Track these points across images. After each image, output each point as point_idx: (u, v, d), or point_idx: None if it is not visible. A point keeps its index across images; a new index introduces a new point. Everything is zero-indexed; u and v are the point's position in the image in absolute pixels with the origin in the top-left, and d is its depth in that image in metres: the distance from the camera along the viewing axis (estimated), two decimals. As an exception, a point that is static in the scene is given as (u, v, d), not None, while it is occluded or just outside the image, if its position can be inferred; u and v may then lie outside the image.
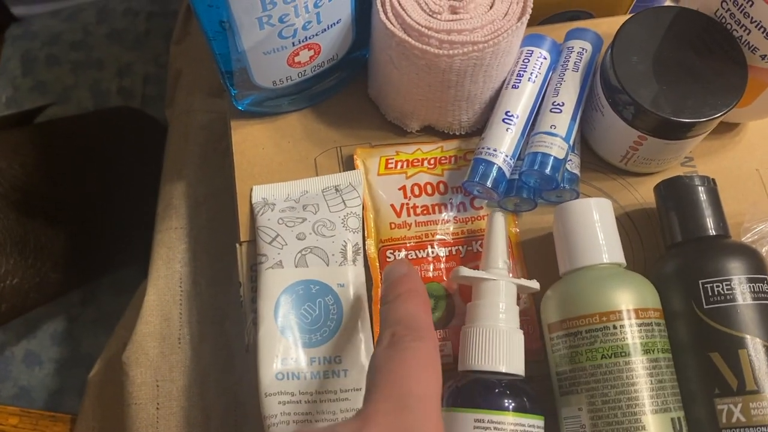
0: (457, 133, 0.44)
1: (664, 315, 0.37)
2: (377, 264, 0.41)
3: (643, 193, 0.44)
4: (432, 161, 0.44)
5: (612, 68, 0.39)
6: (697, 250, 0.38)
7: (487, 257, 0.38)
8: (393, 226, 0.42)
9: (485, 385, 0.34)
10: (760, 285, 0.36)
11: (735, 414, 0.34)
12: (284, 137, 0.45)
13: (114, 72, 0.93)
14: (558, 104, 0.41)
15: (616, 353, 0.35)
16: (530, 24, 0.47)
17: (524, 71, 0.41)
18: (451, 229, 0.42)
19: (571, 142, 0.41)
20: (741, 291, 0.36)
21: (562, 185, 0.40)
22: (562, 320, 0.36)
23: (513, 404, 0.34)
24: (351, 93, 0.46)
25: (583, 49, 0.42)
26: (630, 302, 0.35)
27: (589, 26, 0.44)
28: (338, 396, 0.37)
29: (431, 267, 0.41)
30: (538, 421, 0.34)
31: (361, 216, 0.42)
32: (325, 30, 0.40)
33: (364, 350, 0.38)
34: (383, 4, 0.39)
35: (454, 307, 0.40)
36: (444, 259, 0.41)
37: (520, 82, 0.41)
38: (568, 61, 0.42)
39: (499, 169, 0.40)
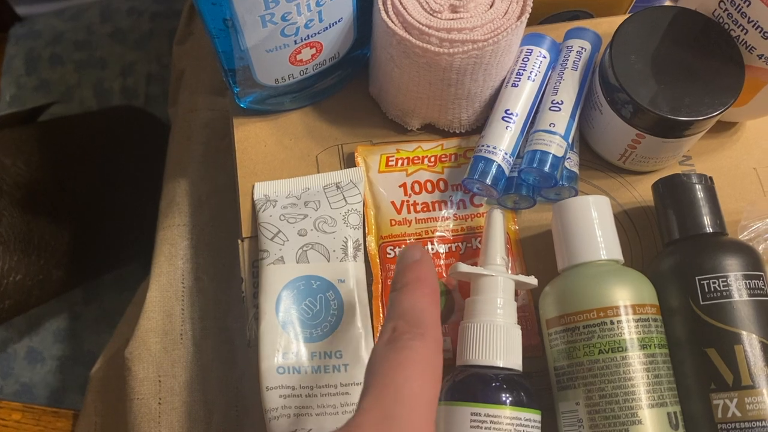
0: (458, 131, 0.45)
1: (661, 311, 0.37)
2: (377, 260, 0.42)
3: (641, 191, 0.44)
4: (432, 159, 0.44)
5: (611, 67, 0.39)
6: (694, 247, 0.38)
7: (485, 253, 0.39)
8: (393, 222, 0.42)
9: (482, 379, 0.35)
10: (756, 282, 0.36)
11: (730, 409, 0.34)
12: (286, 135, 0.46)
13: (117, 71, 0.94)
14: (557, 103, 0.41)
15: (614, 348, 0.35)
16: (530, 23, 0.47)
17: (524, 70, 0.42)
18: (451, 226, 0.42)
19: (570, 140, 0.41)
20: (737, 287, 0.36)
21: (560, 183, 0.41)
22: (560, 316, 0.37)
23: (510, 398, 0.34)
24: (352, 91, 0.47)
25: (582, 48, 0.43)
26: (627, 298, 0.36)
27: (589, 26, 0.44)
28: (338, 390, 0.38)
29: (431, 263, 0.41)
30: (535, 416, 0.35)
31: (361, 213, 0.42)
32: (326, 28, 0.40)
33: (364, 345, 0.39)
34: (384, 3, 0.39)
35: (454, 303, 0.41)
36: (444, 255, 0.42)
37: (519, 81, 0.42)
38: (568, 60, 0.42)
39: (499, 166, 0.40)
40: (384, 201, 0.43)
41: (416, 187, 0.43)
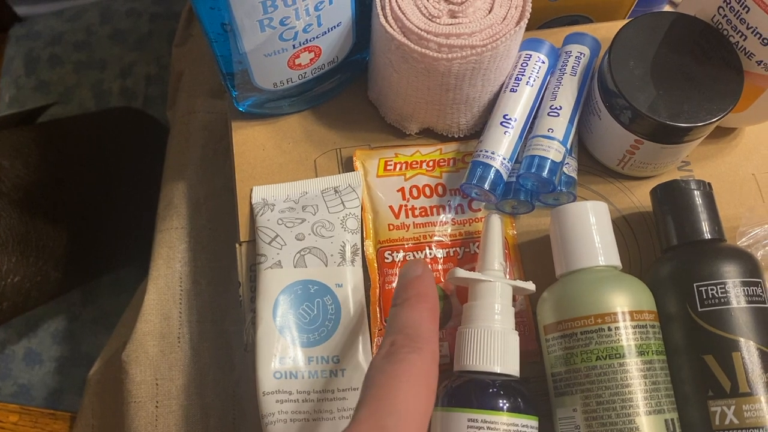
0: (456, 136, 0.45)
1: (659, 317, 0.37)
2: (375, 265, 0.42)
3: (639, 197, 0.44)
4: (431, 163, 0.44)
5: (609, 72, 0.39)
6: (692, 254, 0.38)
7: (483, 259, 0.39)
8: (391, 227, 0.42)
9: (479, 385, 0.35)
10: (754, 288, 0.36)
11: (728, 416, 0.34)
12: (284, 138, 0.46)
13: (116, 72, 0.94)
14: (556, 108, 0.41)
15: (611, 355, 0.35)
16: (530, 28, 0.47)
17: (522, 75, 0.42)
18: (449, 230, 0.42)
19: (569, 146, 0.41)
20: (735, 294, 0.36)
21: (559, 188, 0.41)
22: (557, 322, 0.37)
23: (507, 404, 0.34)
24: (351, 95, 0.47)
25: (581, 53, 0.43)
26: (625, 304, 0.36)
27: (588, 31, 0.44)
28: (335, 395, 0.38)
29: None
30: (532, 422, 0.35)
31: (359, 217, 0.42)
32: (325, 33, 0.40)
33: (361, 350, 0.39)
34: (383, 8, 0.39)
35: (451, 308, 0.41)
36: (441, 260, 0.42)
37: (518, 86, 0.41)
38: (566, 65, 0.42)
39: (497, 171, 0.40)
40: (382, 205, 0.43)
41: (414, 192, 0.43)
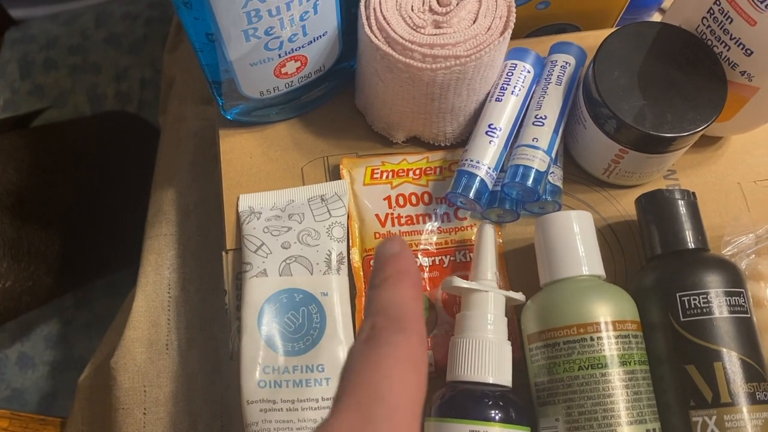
0: (443, 144, 0.45)
1: (643, 327, 0.37)
2: (361, 273, 0.42)
3: (625, 206, 0.44)
4: (417, 172, 0.44)
5: (594, 82, 0.39)
6: (675, 263, 0.38)
7: (476, 268, 0.39)
8: (377, 235, 0.42)
9: (473, 395, 0.35)
10: (736, 299, 0.36)
11: (709, 426, 0.35)
12: (272, 146, 0.46)
13: (111, 76, 0.94)
14: (540, 117, 0.41)
15: (593, 365, 0.35)
16: (519, 36, 0.48)
17: (508, 84, 0.42)
18: (435, 239, 0.42)
19: (553, 155, 0.41)
20: (718, 304, 0.36)
21: (544, 197, 0.41)
22: (540, 331, 0.37)
23: (499, 415, 0.34)
24: (338, 103, 0.47)
25: (566, 62, 0.43)
26: (608, 314, 0.36)
27: (575, 39, 0.44)
28: (320, 404, 0.38)
29: (414, 277, 0.41)
30: (522, 432, 0.35)
31: (345, 225, 0.42)
32: (311, 42, 0.40)
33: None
34: (368, 18, 0.39)
35: (437, 317, 0.41)
36: (428, 268, 0.42)
37: (503, 95, 0.42)
38: (552, 74, 0.42)
39: (482, 180, 0.40)
40: (368, 214, 0.43)
41: (401, 200, 0.43)
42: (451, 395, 0.35)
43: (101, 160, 0.76)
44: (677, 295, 0.37)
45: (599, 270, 0.38)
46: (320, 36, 0.40)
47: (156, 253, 0.50)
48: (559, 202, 0.42)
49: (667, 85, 0.39)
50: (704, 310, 0.36)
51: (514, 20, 0.39)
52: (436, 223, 0.43)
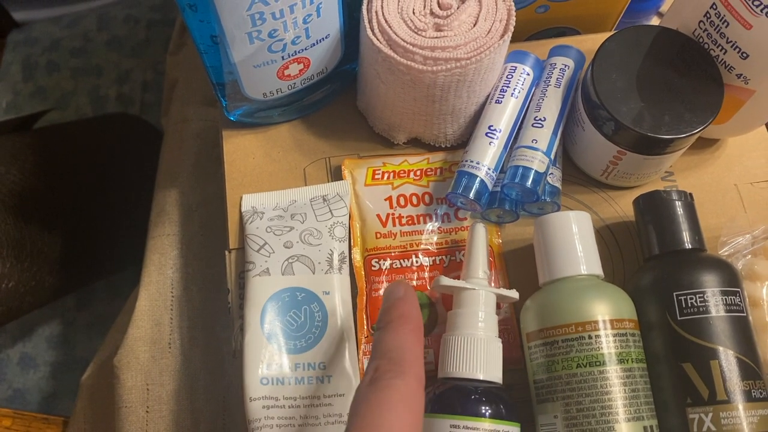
0: (443, 146, 0.45)
1: (640, 326, 0.38)
2: (363, 272, 0.42)
3: (623, 206, 0.45)
4: (418, 173, 0.45)
5: (592, 84, 0.40)
6: (672, 263, 0.39)
7: (467, 267, 0.39)
8: (378, 235, 0.43)
9: (462, 391, 0.35)
10: (732, 298, 0.37)
11: (706, 423, 0.35)
12: (274, 147, 0.46)
13: (113, 78, 0.94)
14: (540, 119, 0.42)
15: (592, 362, 0.35)
16: (519, 39, 0.48)
17: (507, 87, 0.42)
18: (435, 239, 0.43)
19: (552, 156, 0.42)
20: (714, 303, 0.37)
21: (543, 198, 0.41)
22: (539, 329, 0.37)
23: (489, 411, 0.35)
24: (340, 105, 0.47)
25: (565, 65, 0.43)
26: (606, 313, 0.36)
27: (574, 43, 0.45)
28: (321, 401, 0.38)
29: (415, 276, 0.42)
30: (514, 428, 0.35)
31: (347, 225, 0.43)
32: (314, 45, 0.41)
33: (347, 357, 0.39)
34: (370, 21, 0.40)
35: (437, 316, 0.41)
36: (428, 268, 0.42)
37: (503, 97, 0.42)
38: (551, 77, 0.43)
39: (482, 181, 0.41)
40: (370, 214, 0.44)
41: (402, 201, 0.44)
42: (442, 391, 0.36)
43: (103, 162, 0.77)
44: (674, 294, 0.37)
45: (597, 269, 0.39)
46: (323, 39, 0.41)
47: (159, 253, 0.51)
48: (558, 202, 0.42)
49: (665, 88, 0.40)
50: (701, 309, 0.36)
51: (514, 23, 0.39)
52: (436, 224, 0.43)
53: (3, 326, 0.71)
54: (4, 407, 0.63)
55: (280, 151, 0.46)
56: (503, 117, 0.42)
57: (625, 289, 0.39)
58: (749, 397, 0.35)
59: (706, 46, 0.41)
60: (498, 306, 0.40)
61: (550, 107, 0.42)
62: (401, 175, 0.45)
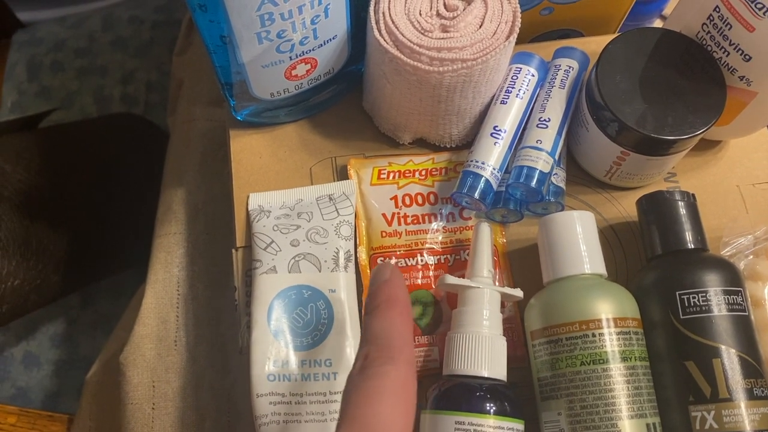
0: (448, 146, 0.46)
1: (643, 324, 0.38)
2: (368, 271, 0.43)
3: (626, 207, 0.45)
4: (423, 172, 0.45)
5: (596, 86, 0.40)
6: (675, 263, 0.39)
7: (472, 266, 0.40)
8: (384, 234, 0.43)
9: (467, 388, 0.36)
10: (734, 297, 0.37)
11: (708, 421, 0.35)
12: (281, 147, 0.47)
13: (117, 79, 0.95)
14: (544, 120, 0.42)
15: (595, 360, 0.36)
16: (523, 41, 0.49)
17: (512, 88, 0.43)
18: (440, 238, 0.43)
19: (557, 157, 0.42)
20: (717, 302, 0.37)
21: (547, 198, 0.42)
22: (543, 328, 0.38)
23: (494, 408, 0.35)
24: (346, 105, 0.48)
25: (570, 67, 0.44)
26: (609, 311, 0.37)
27: (578, 45, 0.46)
28: (327, 398, 0.39)
29: (420, 275, 0.42)
30: (518, 425, 0.36)
31: (353, 224, 0.43)
32: (321, 45, 0.41)
33: (353, 353, 0.40)
34: (377, 22, 0.40)
35: (442, 314, 0.42)
36: (433, 267, 0.43)
37: (508, 98, 0.43)
38: (555, 78, 0.43)
39: (487, 181, 0.41)
40: (375, 213, 0.44)
41: (407, 200, 0.44)
42: (447, 388, 0.36)
43: (108, 161, 0.77)
44: (677, 293, 0.37)
45: (601, 269, 0.39)
46: (330, 39, 0.41)
47: (165, 251, 0.51)
48: (562, 202, 0.43)
49: (668, 90, 0.40)
50: (703, 308, 0.37)
51: (520, 25, 0.40)
52: (441, 223, 0.44)
53: (7, 324, 0.71)
54: (9, 405, 0.64)
55: (286, 150, 0.47)
56: (508, 117, 0.42)
57: (628, 288, 0.39)
58: (751, 395, 0.35)
59: (709, 48, 0.41)
60: (502, 304, 0.40)
61: (555, 108, 0.42)
62: (407, 174, 0.45)
